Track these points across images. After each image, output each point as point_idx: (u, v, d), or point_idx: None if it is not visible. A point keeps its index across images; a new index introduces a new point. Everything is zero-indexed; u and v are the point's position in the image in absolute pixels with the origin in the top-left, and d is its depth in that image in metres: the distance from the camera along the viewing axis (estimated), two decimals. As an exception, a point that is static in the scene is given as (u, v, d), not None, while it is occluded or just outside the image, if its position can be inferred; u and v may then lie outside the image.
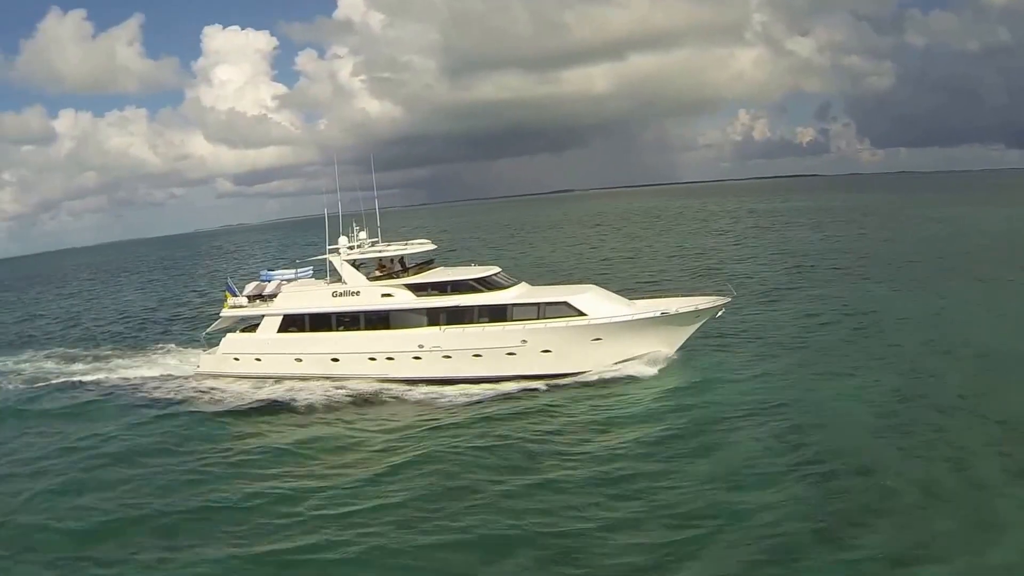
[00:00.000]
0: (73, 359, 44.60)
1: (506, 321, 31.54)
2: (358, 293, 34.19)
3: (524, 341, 30.99)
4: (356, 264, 35.62)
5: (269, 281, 38.11)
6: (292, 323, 35.46)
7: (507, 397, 29.63)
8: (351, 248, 36.01)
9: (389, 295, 33.51)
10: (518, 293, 32.68)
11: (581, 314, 30.86)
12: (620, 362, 31.01)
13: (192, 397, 33.89)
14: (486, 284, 32.66)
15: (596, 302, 31.61)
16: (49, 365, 43.61)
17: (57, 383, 38.10)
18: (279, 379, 34.70)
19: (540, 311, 31.40)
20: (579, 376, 30.73)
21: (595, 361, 30.95)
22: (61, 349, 48.57)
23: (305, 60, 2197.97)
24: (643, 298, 35.10)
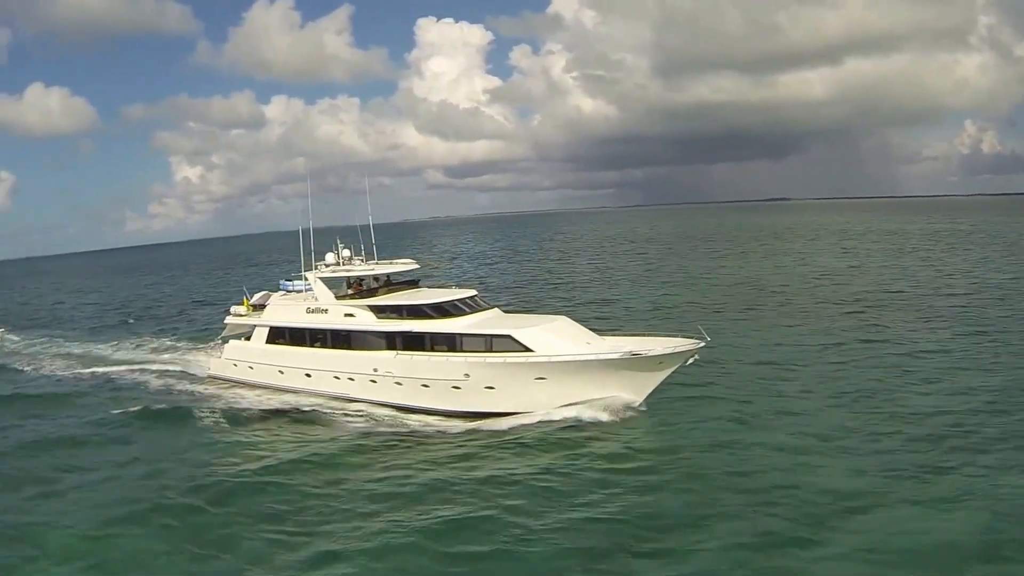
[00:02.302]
0: (141, 347, 48.91)
1: (455, 352, 29.55)
2: (327, 311, 33.71)
3: (467, 375, 28.84)
4: (338, 281, 35.23)
5: (286, 291, 38.69)
6: (278, 335, 35.76)
7: (415, 434, 28.02)
8: (332, 265, 35.67)
9: (351, 315, 32.67)
10: (472, 322, 30.47)
11: (527, 349, 28.16)
12: (568, 405, 27.88)
13: (182, 397, 35.36)
14: (439, 311, 30.78)
15: (546, 337, 28.62)
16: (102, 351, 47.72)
17: (82, 371, 42.17)
18: (265, 388, 35.23)
19: (488, 343, 29.07)
20: (520, 417, 27.98)
21: (541, 402, 28.06)
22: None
23: (519, 55, 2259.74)
24: (632, 335, 31.29)
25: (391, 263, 36.04)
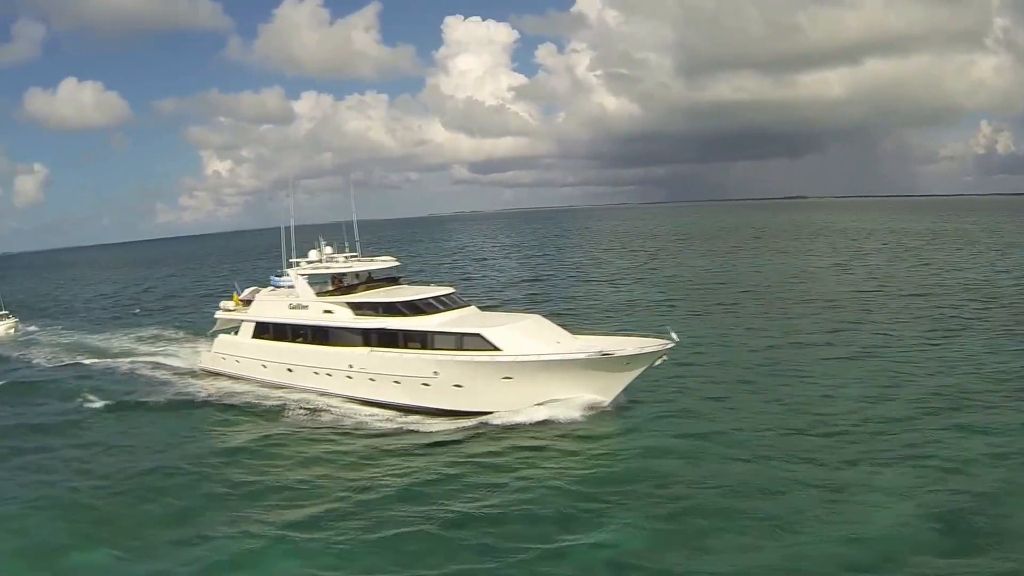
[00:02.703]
0: (142, 339, 50.32)
1: (427, 349, 29.96)
2: (307, 307, 34.33)
3: (436, 373, 29.27)
4: (325, 278, 35.89)
5: (277, 286, 39.33)
6: (263, 330, 36.47)
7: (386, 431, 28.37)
8: (315, 262, 36.28)
9: (330, 311, 33.25)
10: (445, 320, 30.83)
11: (495, 348, 28.47)
12: (537, 405, 28.05)
13: (164, 388, 36.38)
14: (413, 308, 31.21)
15: (514, 336, 28.88)
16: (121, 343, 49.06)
17: (82, 361, 43.59)
18: (251, 381, 35.97)
19: (458, 342, 29.41)
20: (488, 416, 28.27)
21: (508, 401, 28.30)
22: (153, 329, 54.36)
23: (544, 53, 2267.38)
24: (604, 335, 31.53)
25: (371, 260, 36.62)
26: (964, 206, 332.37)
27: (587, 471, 22.87)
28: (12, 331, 57.74)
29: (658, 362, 28.27)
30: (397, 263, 36.74)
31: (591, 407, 27.90)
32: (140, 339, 50.40)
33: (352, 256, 37.34)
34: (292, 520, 20.28)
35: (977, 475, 20.86)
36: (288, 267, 36.70)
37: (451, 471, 23.48)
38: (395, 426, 28.74)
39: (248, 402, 33.02)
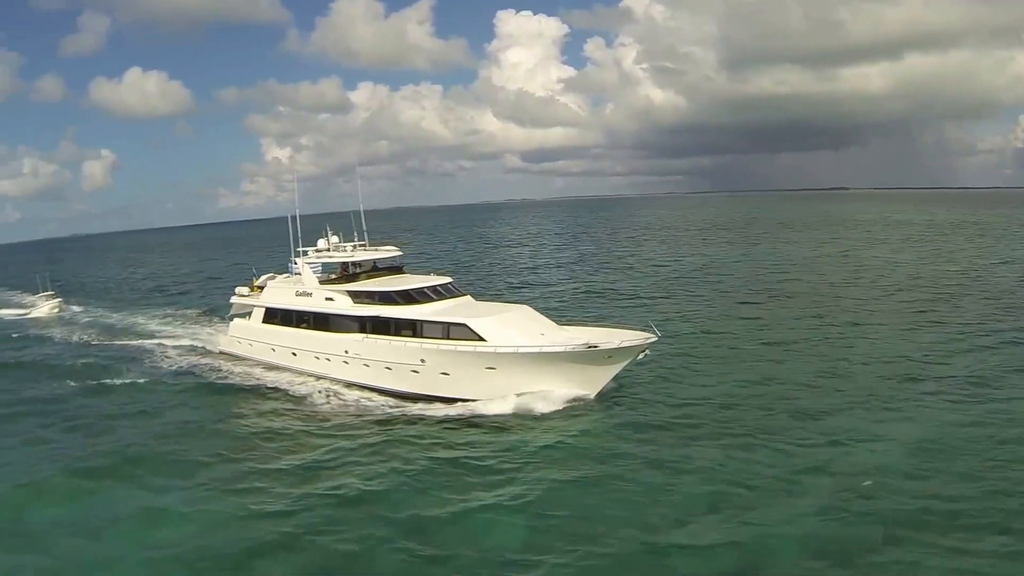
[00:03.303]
0: (174, 320, 52.93)
1: (417, 337, 30.87)
2: (311, 294, 35.59)
3: (423, 360, 30.18)
4: (334, 266, 37.22)
5: (293, 273, 40.84)
6: (272, 316, 37.95)
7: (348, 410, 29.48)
8: (323, 250, 37.57)
9: (331, 299, 34.44)
10: (437, 309, 31.68)
11: (480, 338, 29.20)
12: (520, 395, 28.59)
13: (187, 369, 38.39)
14: (406, 297, 32.17)
15: (499, 327, 29.57)
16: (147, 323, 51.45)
17: (109, 343, 45.66)
18: (261, 364, 37.56)
19: (445, 331, 30.22)
20: (471, 404, 29.02)
21: (491, 391, 28.99)
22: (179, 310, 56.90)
23: (593, 47, 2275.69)
24: (593, 327, 32.00)
25: (376, 250, 37.71)
26: (1004, 199, 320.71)
27: (554, 462, 23.41)
28: (56, 311, 60.95)
29: (641, 356, 28.59)
30: (399, 252, 37.73)
31: (575, 400, 28.38)
32: (173, 320, 53.10)
33: (359, 245, 38.51)
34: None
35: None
36: (296, 256, 38.00)
37: (420, 459, 24.21)
38: (374, 412, 29.70)
39: (254, 384, 34.57)
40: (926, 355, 34.23)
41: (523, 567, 17.07)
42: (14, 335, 52.12)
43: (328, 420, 29.00)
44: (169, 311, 57.68)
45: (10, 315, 62.84)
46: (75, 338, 48.95)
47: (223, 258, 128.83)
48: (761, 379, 31.27)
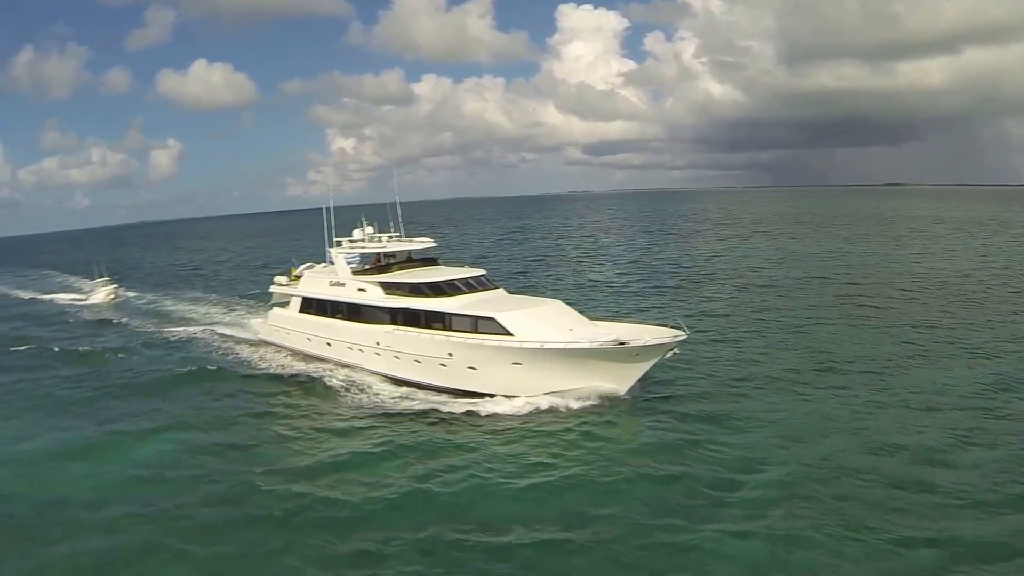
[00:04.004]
0: (221, 307, 54.00)
1: (446, 330, 30.42)
2: (344, 285, 35.57)
3: (450, 354, 29.77)
4: (370, 256, 37.21)
5: (328, 263, 41.05)
6: (308, 305, 38.11)
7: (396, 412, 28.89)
8: (359, 241, 37.55)
9: (363, 290, 34.32)
10: (467, 302, 31.19)
11: (507, 333, 28.59)
12: (546, 393, 27.91)
13: (225, 356, 38.87)
14: (435, 289, 31.78)
15: (527, 322, 28.85)
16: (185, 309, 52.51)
17: (151, 329, 46.62)
18: (297, 353, 37.82)
19: (473, 324, 29.67)
20: (495, 399, 28.36)
21: (520, 387, 28.32)
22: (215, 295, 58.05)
23: (652, 40, 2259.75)
24: (625, 323, 31.11)
25: (410, 241, 37.46)
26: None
27: (584, 462, 22.66)
28: (112, 297, 62.72)
29: (669, 354, 27.61)
30: (433, 244, 37.39)
31: (602, 397, 27.59)
32: (220, 307, 54.21)
33: (393, 236, 38.36)
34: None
35: None
36: (331, 246, 38.07)
37: (448, 457, 23.84)
38: (401, 403, 29.48)
39: (288, 374, 34.73)
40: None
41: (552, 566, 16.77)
42: (70, 320, 53.91)
43: (349, 413, 28.80)
44: (218, 298, 58.84)
45: (68, 301, 64.97)
46: (124, 324, 50.18)
47: (283, 245, 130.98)
48: (797, 379, 29.98)
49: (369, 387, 31.67)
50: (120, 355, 40.49)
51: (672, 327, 27.96)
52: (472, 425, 26.61)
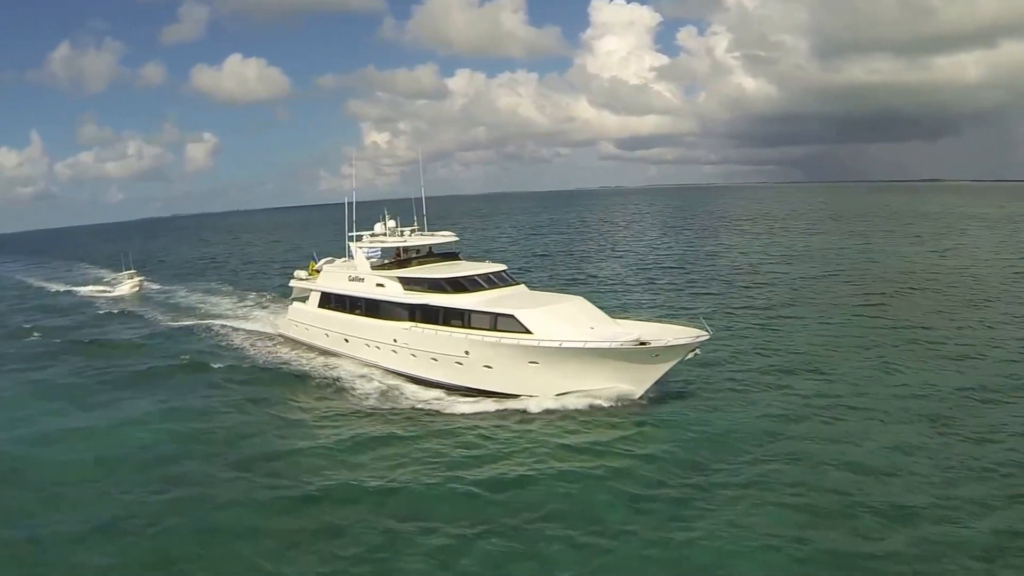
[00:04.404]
0: (243, 302, 53.73)
1: (464, 328, 29.40)
2: (363, 280, 34.79)
3: (467, 352, 28.81)
4: (391, 251, 36.46)
5: (349, 258, 40.34)
6: (327, 300, 37.39)
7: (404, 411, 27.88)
8: (380, 235, 36.81)
9: (382, 285, 33.52)
10: (487, 299, 30.17)
11: (526, 331, 27.52)
12: (562, 393, 26.81)
13: (242, 351, 38.27)
14: (454, 285, 30.80)
15: (546, 320, 27.71)
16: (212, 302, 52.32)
17: (168, 324, 46.43)
18: (316, 349, 37.16)
19: (492, 321, 28.60)
20: (518, 400, 27.22)
21: (533, 386, 27.31)
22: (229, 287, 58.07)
23: (685, 35, 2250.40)
24: (647, 321, 29.55)
25: (431, 235, 36.54)
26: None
27: (592, 467, 21.53)
28: (137, 289, 62.89)
29: (690, 355, 26.37)
30: (455, 238, 36.44)
31: (619, 399, 26.43)
32: (243, 301, 53.95)
33: (415, 230, 37.52)
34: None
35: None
36: (349, 240, 37.34)
37: (450, 455, 22.95)
38: (411, 402, 28.66)
39: (302, 370, 33.94)
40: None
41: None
42: (100, 312, 54.21)
43: (354, 411, 27.98)
44: (242, 292, 58.60)
45: (94, 292, 65.30)
46: (143, 316, 50.12)
47: (312, 238, 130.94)
48: (826, 387, 28.53)
49: (382, 385, 30.79)
50: (132, 346, 40.59)
51: (695, 326, 26.76)
52: (482, 425, 25.63)
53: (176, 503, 20.10)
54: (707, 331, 25.90)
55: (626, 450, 22.73)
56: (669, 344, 25.64)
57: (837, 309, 43.00)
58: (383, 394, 29.77)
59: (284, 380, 32.68)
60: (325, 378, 32.20)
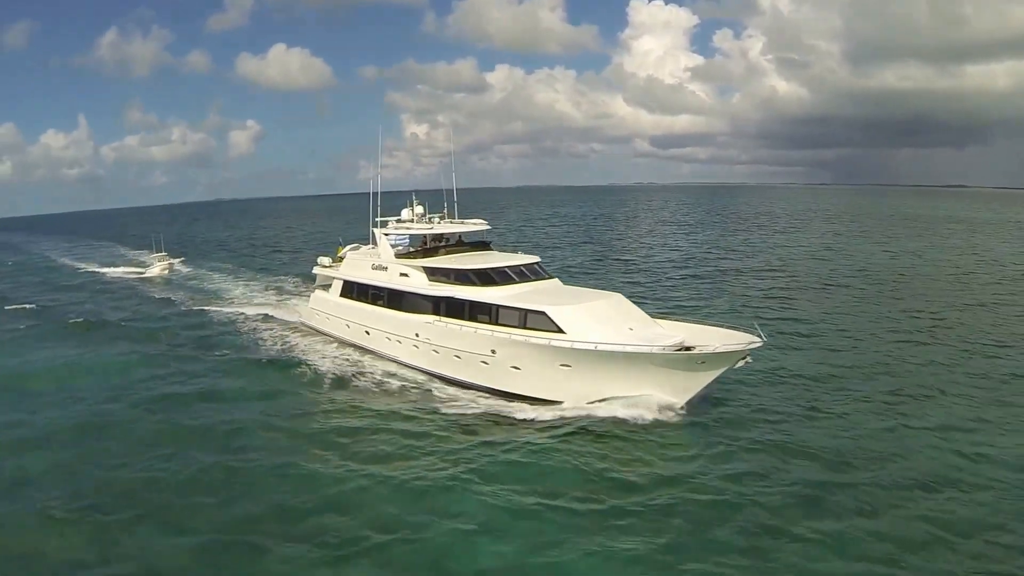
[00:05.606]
0: (268, 285, 52.61)
1: (491, 324, 26.94)
2: (386, 269, 32.64)
3: (493, 351, 26.40)
4: (418, 238, 34.29)
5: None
6: (349, 289, 35.37)
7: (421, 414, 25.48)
8: (407, 222, 34.68)
9: (406, 275, 31.28)
10: (518, 292, 27.70)
11: (559, 330, 24.98)
12: (595, 400, 24.28)
13: (261, 339, 36.59)
14: (483, 277, 28.41)
15: (582, 318, 25.14)
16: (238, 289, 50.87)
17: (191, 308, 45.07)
18: (336, 339, 35.28)
19: (522, 318, 26.10)
20: (549, 406, 24.76)
21: (563, 391, 24.85)
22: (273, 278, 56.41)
23: (720, 37, 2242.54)
24: (694, 323, 26.60)
25: (461, 223, 34.18)
26: None
27: (625, 487, 19.14)
28: (167, 272, 61.91)
29: (741, 363, 23.55)
30: (487, 227, 33.96)
31: (660, 409, 23.59)
32: (270, 287, 52.67)
33: (443, 217, 35.23)
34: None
35: None
36: (374, 226, 35.22)
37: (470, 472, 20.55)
38: (429, 402, 26.45)
39: (315, 361, 31.95)
40: None
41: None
42: (129, 294, 53.32)
43: (358, 411, 25.96)
44: (270, 278, 57.28)
45: (126, 274, 64.68)
46: (172, 300, 48.79)
47: (348, 225, 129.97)
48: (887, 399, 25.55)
49: (401, 382, 28.66)
50: (152, 328, 39.50)
51: (746, 330, 23.94)
52: (501, 432, 23.28)
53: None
54: (760, 336, 23.06)
55: (664, 467, 20.23)
56: (716, 350, 22.88)
57: (903, 321, 39.69)
58: (401, 392, 27.58)
59: (295, 373, 30.61)
60: (339, 375, 29.93)
